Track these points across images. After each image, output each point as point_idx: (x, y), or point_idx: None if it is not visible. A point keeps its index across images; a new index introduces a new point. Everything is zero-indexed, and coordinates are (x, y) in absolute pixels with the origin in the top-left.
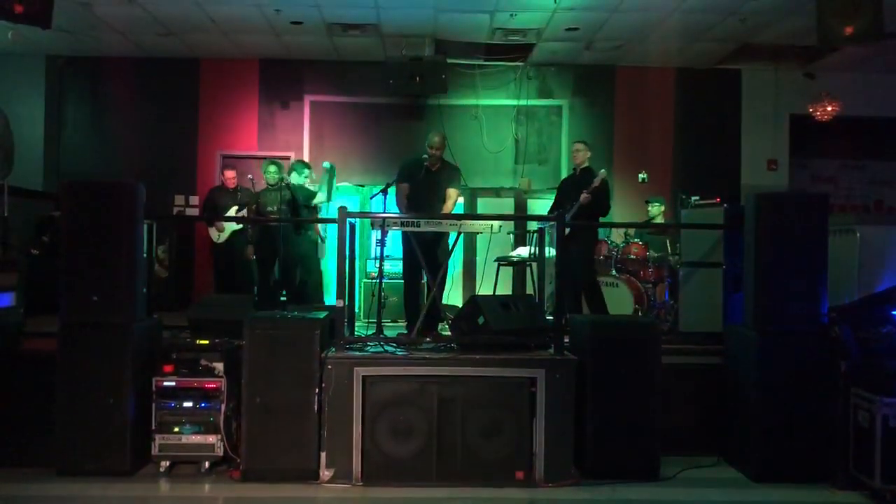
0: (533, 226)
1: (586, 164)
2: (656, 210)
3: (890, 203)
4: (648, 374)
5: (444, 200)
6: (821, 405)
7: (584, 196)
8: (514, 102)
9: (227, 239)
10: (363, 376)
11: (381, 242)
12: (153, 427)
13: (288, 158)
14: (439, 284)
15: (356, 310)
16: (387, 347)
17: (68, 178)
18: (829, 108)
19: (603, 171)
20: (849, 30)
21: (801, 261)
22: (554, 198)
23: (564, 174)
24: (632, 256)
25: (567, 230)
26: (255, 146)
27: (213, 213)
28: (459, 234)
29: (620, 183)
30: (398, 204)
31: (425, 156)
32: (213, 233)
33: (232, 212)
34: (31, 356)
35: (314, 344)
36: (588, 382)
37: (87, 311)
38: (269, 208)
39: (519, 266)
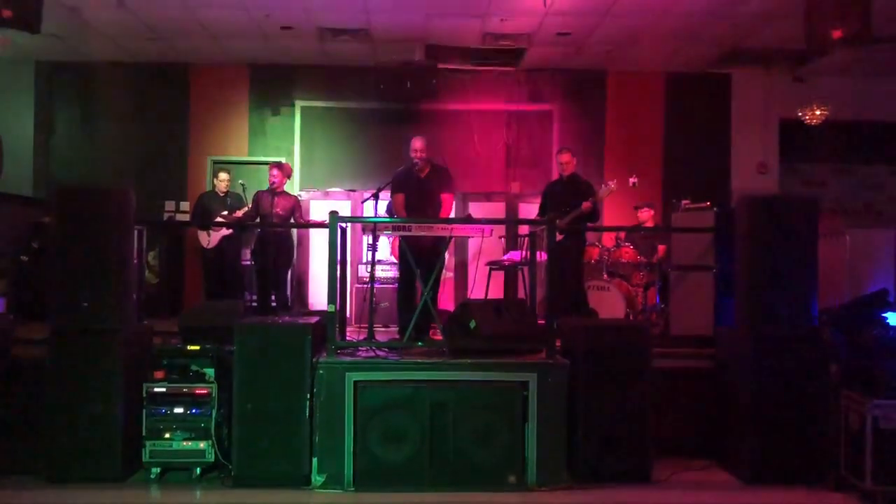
0: (525, 229)
1: (572, 171)
2: (646, 216)
3: (879, 207)
4: (640, 377)
5: (438, 206)
6: (812, 407)
7: (586, 205)
8: (505, 107)
9: (217, 244)
10: (355, 381)
11: (373, 247)
12: (144, 433)
13: (280, 163)
14: (432, 289)
15: (347, 315)
16: (379, 352)
17: (58, 184)
18: (819, 113)
19: (614, 182)
20: (837, 34)
21: (792, 264)
22: (541, 203)
23: (555, 177)
24: (623, 260)
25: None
26: (245, 151)
27: (203, 218)
28: (450, 239)
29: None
30: (397, 216)
31: (414, 159)
32: (202, 238)
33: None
34: (21, 363)
35: (305, 349)
36: (580, 386)
37: (78, 317)
38: (281, 211)
39: (510, 270)
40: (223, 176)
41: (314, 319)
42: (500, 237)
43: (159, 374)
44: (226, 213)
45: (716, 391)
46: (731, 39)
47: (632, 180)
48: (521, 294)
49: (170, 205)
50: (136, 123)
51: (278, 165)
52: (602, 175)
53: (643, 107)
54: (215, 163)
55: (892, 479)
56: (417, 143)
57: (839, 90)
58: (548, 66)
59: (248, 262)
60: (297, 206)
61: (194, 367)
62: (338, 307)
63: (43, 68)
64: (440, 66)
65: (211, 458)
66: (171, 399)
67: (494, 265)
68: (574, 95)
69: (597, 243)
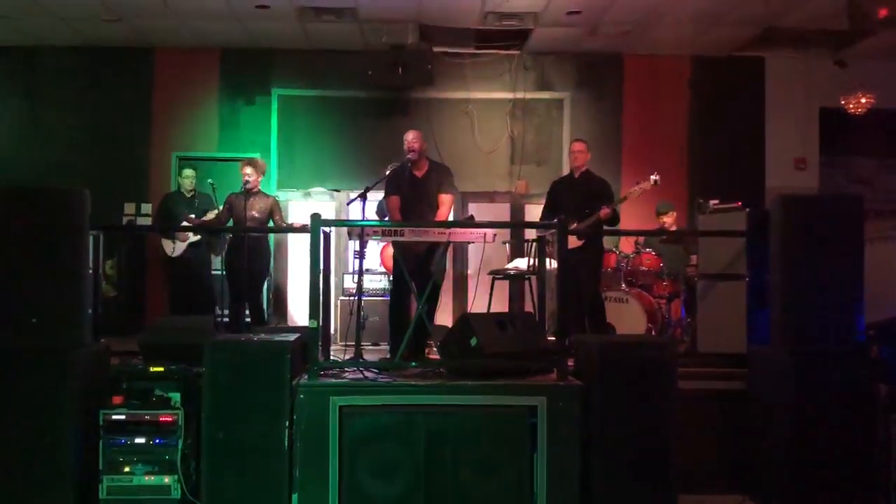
0: (532, 234)
1: (585, 168)
2: (670, 220)
3: None
4: (663, 401)
5: (435, 208)
6: (859, 433)
7: (605, 211)
8: (510, 96)
9: (183, 252)
10: (340, 407)
11: (360, 254)
12: (100, 467)
13: (252, 160)
14: (428, 302)
15: (332, 331)
16: (367, 373)
17: (1, 184)
18: (864, 101)
19: (646, 182)
20: (882, 12)
21: (835, 272)
22: (546, 203)
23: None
24: (643, 268)
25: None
26: (215, 147)
27: (168, 222)
28: (448, 245)
29: (630, 186)
30: (391, 219)
31: (410, 158)
32: (166, 245)
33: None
34: None
35: (284, 370)
36: (595, 411)
37: (24, 335)
38: (257, 214)
39: (516, 280)
40: (188, 173)
41: (294, 336)
42: (505, 242)
43: (118, 400)
44: (193, 216)
45: (749, 416)
46: (765, 18)
47: (653, 177)
48: (528, 307)
49: (130, 207)
50: (92, 115)
51: (251, 162)
52: (619, 172)
53: (665, 95)
54: (181, 159)
55: None
56: (411, 137)
57: (886, 75)
58: (557, 50)
59: (219, 272)
60: (275, 208)
61: (158, 392)
62: (321, 322)
63: None
64: (436, 49)
65: (177, 494)
66: (132, 428)
67: (498, 274)
68: (587, 82)
69: (614, 249)
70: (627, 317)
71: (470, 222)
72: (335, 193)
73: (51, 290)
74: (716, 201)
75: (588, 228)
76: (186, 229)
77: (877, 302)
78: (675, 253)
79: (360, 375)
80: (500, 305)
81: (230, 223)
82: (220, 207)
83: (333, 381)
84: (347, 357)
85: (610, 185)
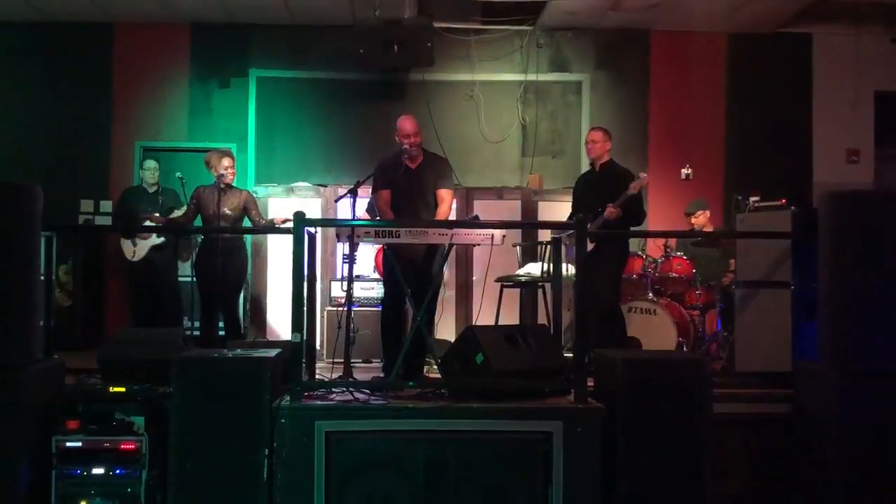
0: (547, 235)
1: (607, 158)
2: (703, 220)
3: None
4: (697, 426)
5: (434, 205)
6: None
7: (609, 210)
8: (521, 78)
9: (146, 256)
10: (327, 432)
11: (350, 258)
12: (53, 501)
13: (228, 151)
14: (427, 312)
15: (317, 346)
16: (357, 395)
17: None
18: None
19: (644, 174)
20: None
21: (892, 279)
22: (571, 203)
23: (585, 168)
24: (673, 275)
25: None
26: (185, 135)
27: (127, 222)
28: (450, 248)
29: (658, 181)
30: (381, 218)
31: (406, 147)
32: (126, 248)
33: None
34: None
35: (263, 391)
36: (619, 438)
37: None
38: (229, 212)
39: (528, 288)
40: (150, 165)
41: (274, 352)
42: (515, 245)
43: (73, 425)
44: (157, 214)
45: (794, 443)
46: None
47: (684, 171)
48: (542, 319)
49: (87, 205)
50: (43, 100)
51: (229, 153)
52: (646, 164)
53: (698, 77)
54: (146, 150)
55: None
56: (407, 125)
57: None
58: (575, 25)
59: (189, 279)
60: (250, 203)
61: (119, 415)
62: (305, 336)
63: None
64: (437, 24)
65: None
66: (89, 456)
67: (507, 281)
68: (609, 62)
69: (640, 253)
70: (656, 330)
71: (475, 222)
72: (321, 189)
73: None
74: (756, 198)
75: (599, 230)
76: (150, 230)
77: None
78: (710, 257)
79: (350, 397)
80: (510, 317)
81: (198, 222)
82: (190, 205)
83: (319, 403)
84: (335, 376)
85: (633, 176)
